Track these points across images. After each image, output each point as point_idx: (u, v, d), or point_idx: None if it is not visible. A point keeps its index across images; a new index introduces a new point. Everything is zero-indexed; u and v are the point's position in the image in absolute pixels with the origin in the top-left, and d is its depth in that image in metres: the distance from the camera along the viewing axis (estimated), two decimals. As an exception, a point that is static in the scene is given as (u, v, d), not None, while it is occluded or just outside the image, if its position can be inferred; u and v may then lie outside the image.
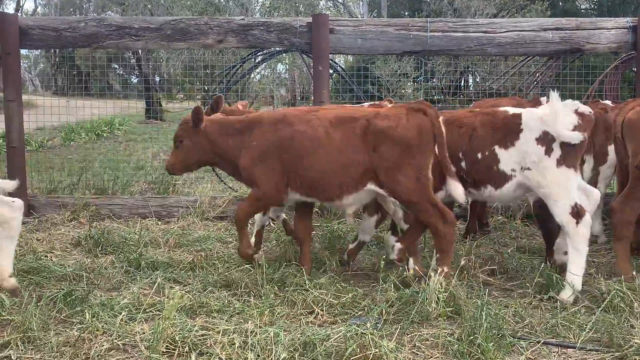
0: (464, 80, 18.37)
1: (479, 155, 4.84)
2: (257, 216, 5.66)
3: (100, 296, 4.45)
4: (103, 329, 3.84)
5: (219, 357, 3.46)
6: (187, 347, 3.57)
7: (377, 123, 4.67)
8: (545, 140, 4.61)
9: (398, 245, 4.87)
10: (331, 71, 7.91)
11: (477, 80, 17.50)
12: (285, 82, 18.02)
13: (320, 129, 4.76)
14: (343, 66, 10.79)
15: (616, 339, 3.71)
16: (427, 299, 4.15)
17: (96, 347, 3.60)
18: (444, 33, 7.43)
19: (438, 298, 4.18)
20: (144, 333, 3.77)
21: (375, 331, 3.68)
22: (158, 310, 4.15)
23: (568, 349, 3.71)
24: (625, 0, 28.04)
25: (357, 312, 4.24)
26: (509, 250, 5.73)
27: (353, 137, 4.71)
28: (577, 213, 4.54)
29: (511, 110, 4.91)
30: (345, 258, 5.43)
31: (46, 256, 5.58)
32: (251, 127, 4.97)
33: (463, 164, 4.90)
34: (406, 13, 30.20)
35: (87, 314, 3.97)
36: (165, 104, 16.79)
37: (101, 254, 5.58)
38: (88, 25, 7.34)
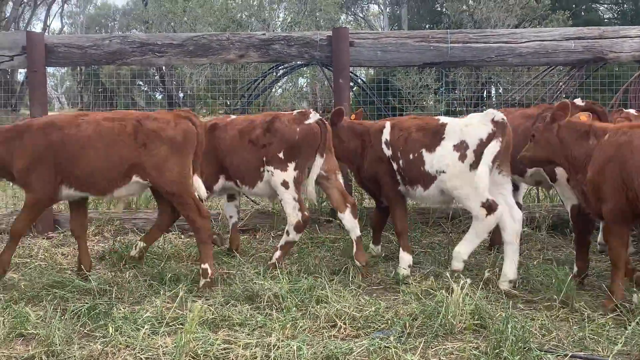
0: (486, 91, 18.25)
1: (411, 157, 5.32)
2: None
3: (124, 310, 4.46)
4: (126, 342, 3.85)
5: (241, 371, 3.44)
6: (209, 361, 3.57)
7: (147, 124, 5.13)
8: (461, 147, 5.06)
9: None
10: (352, 84, 7.93)
11: (500, 91, 17.38)
12: (307, 95, 18.08)
13: (89, 131, 5.10)
14: (364, 78, 10.79)
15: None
16: (451, 311, 4.10)
17: (119, 361, 3.62)
18: (465, 44, 7.42)
19: (463, 311, 4.13)
20: (166, 347, 3.78)
21: (399, 345, 3.65)
22: (181, 323, 4.15)
23: (597, 363, 3.63)
24: (650, 8, 27.72)
25: (380, 326, 4.20)
26: (535, 262, 5.64)
27: (123, 136, 5.10)
28: (490, 207, 4.95)
29: (442, 119, 5.42)
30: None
31: (71, 270, 5.63)
32: (21, 134, 5.16)
33: (401, 162, 5.41)
34: (426, 26, 30.18)
35: (110, 327, 4.00)
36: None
37: (125, 268, 5.61)
38: (112, 42, 7.47)
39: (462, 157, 5.06)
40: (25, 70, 7.75)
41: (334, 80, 7.39)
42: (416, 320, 4.19)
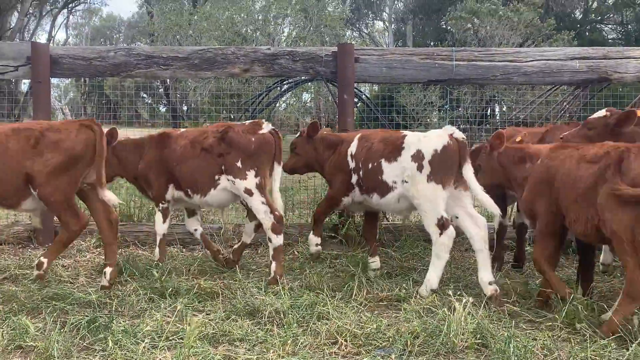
0: (490, 109, 18.29)
1: (370, 166, 5.63)
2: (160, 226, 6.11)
3: (124, 323, 4.44)
4: (125, 356, 3.83)
5: (241, 387, 3.41)
6: (208, 376, 3.54)
7: (49, 135, 5.24)
8: (418, 157, 5.34)
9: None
10: (356, 100, 7.94)
11: (504, 109, 17.42)
12: (311, 110, 18.14)
13: None
14: (368, 95, 10.82)
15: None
16: (453, 330, 4.07)
17: (118, 375, 3.59)
18: (470, 62, 7.44)
19: (465, 329, 4.10)
20: (166, 361, 3.75)
21: (399, 363, 3.61)
22: (180, 338, 4.12)
23: (600, 385, 3.59)
24: (653, 29, 27.83)
25: (381, 343, 4.17)
26: (538, 282, 5.61)
27: (26, 147, 5.20)
28: (442, 225, 5.25)
29: (404, 132, 5.74)
30: (231, 257, 6.11)
31: (71, 283, 5.61)
32: None
33: (361, 172, 5.74)
34: (431, 43, 30.33)
35: (109, 341, 3.97)
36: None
37: (125, 281, 5.58)
38: (117, 54, 7.50)
39: (420, 168, 5.34)
40: (30, 80, 7.78)
41: (339, 95, 7.41)
42: (418, 338, 4.16)
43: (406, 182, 5.43)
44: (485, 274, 5.14)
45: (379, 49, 8.06)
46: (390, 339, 4.19)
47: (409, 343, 4.09)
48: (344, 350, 4.07)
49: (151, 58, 7.48)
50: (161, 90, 16.91)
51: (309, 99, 18.60)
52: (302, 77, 7.89)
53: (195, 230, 6.40)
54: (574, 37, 21.48)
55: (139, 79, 9.67)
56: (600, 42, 24.74)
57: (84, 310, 4.82)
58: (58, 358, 3.77)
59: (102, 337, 4.12)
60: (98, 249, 6.95)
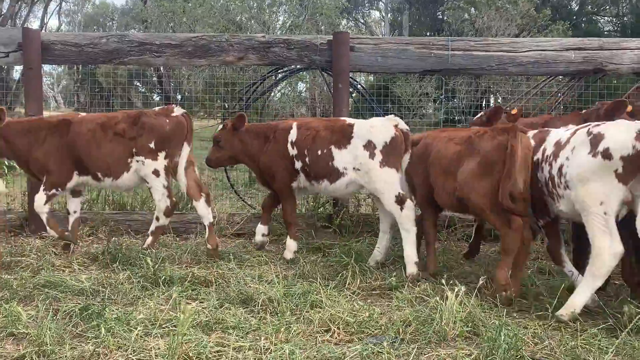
0: (485, 100, 18.26)
1: (319, 152, 5.89)
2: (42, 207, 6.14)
3: (117, 311, 4.43)
4: (118, 344, 3.83)
5: (233, 374, 3.42)
6: (201, 364, 3.54)
7: None
8: (370, 147, 5.69)
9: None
10: (351, 89, 7.92)
11: (499, 100, 17.40)
12: (306, 100, 18.07)
13: None
14: (364, 85, 10.77)
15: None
16: (444, 318, 4.09)
17: (111, 362, 3.59)
18: (465, 52, 7.42)
19: (456, 318, 4.12)
20: (159, 348, 3.75)
21: (392, 350, 3.63)
22: (174, 325, 4.12)
23: (590, 373, 3.62)
24: (649, 21, 27.84)
25: (373, 331, 4.18)
26: (529, 271, 5.64)
27: None
28: (401, 200, 5.64)
29: (348, 120, 6.04)
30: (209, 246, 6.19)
31: (64, 271, 5.60)
32: None
33: (307, 159, 5.97)
34: (427, 33, 30.25)
35: (102, 328, 3.96)
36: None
37: (118, 269, 5.58)
38: (110, 41, 7.45)
39: (372, 156, 5.71)
40: (21, 67, 7.72)
41: (334, 85, 7.38)
42: (410, 326, 4.18)
43: (358, 169, 5.78)
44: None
45: (375, 37, 8.05)
46: (383, 327, 4.21)
47: (401, 331, 4.11)
48: (336, 337, 4.08)
49: (144, 45, 7.43)
50: (154, 78, 16.81)
51: (305, 89, 18.53)
52: (297, 66, 7.86)
53: (74, 212, 6.49)
54: (569, 28, 21.44)
55: (132, 66, 9.60)
56: (596, 33, 24.70)
57: (77, 297, 4.82)
58: (50, 345, 3.75)
59: (95, 324, 4.11)
60: (91, 237, 6.94)
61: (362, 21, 36.33)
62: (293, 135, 6.11)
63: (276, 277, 5.14)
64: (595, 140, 4.32)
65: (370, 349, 3.59)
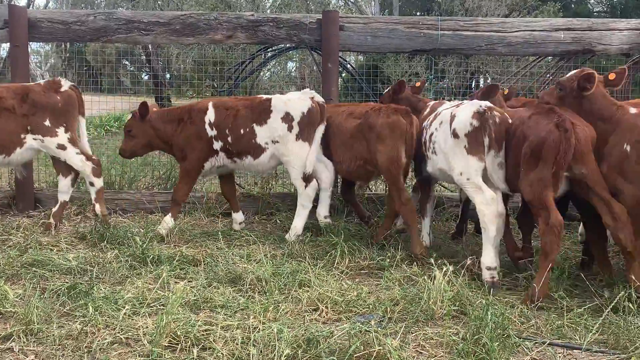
0: (475, 80, 18.24)
1: (242, 131, 6.07)
2: None
3: (104, 290, 4.43)
4: (106, 322, 3.83)
5: (221, 353, 3.43)
6: (189, 342, 3.55)
7: None
8: (287, 119, 5.96)
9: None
10: (341, 69, 7.87)
11: (488, 81, 17.38)
12: (295, 80, 17.97)
13: None
14: (354, 65, 10.71)
15: (622, 341, 3.66)
16: (432, 297, 4.12)
17: (98, 341, 3.59)
18: (455, 32, 7.38)
19: (443, 297, 4.15)
20: (147, 327, 3.75)
21: (379, 329, 3.65)
22: (162, 305, 4.13)
23: (574, 351, 3.67)
24: (639, 3, 27.81)
25: (361, 310, 4.21)
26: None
27: None
28: (307, 178, 6.06)
29: (264, 96, 6.25)
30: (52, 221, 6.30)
31: (51, 249, 5.57)
32: None
33: (229, 139, 6.10)
34: (418, 13, 30.09)
35: (90, 307, 3.96)
36: (174, 100, 16.83)
37: (106, 248, 5.56)
38: (97, 18, 7.34)
39: (290, 128, 5.98)
40: (8, 45, 7.60)
41: (323, 64, 7.33)
42: (397, 305, 4.21)
43: (277, 142, 6.04)
44: (323, 210, 6.24)
45: (364, 17, 7.97)
46: (371, 306, 4.24)
47: (388, 310, 4.14)
48: (324, 316, 4.11)
49: (132, 23, 7.33)
50: (143, 57, 16.65)
51: (294, 68, 18.42)
52: (286, 45, 7.79)
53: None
54: (559, 9, 21.41)
55: (120, 44, 9.49)
56: (585, 14, 24.71)
57: (65, 276, 4.81)
58: (38, 324, 3.75)
59: (83, 303, 4.10)
60: (79, 217, 6.91)
61: (351, 0, 36.00)
62: (211, 115, 6.15)
63: (265, 257, 5.15)
64: (451, 120, 5.07)
65: (358, 327, 3.61)
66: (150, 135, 6.36)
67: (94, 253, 5.38)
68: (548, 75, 8.21)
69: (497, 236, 4.87)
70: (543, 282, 4.36)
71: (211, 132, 6.15)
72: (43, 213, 7.04)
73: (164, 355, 3.39)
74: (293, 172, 6.08)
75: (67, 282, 4.50)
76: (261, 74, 11.65)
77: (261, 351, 3.43)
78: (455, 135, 4.99)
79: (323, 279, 4.74)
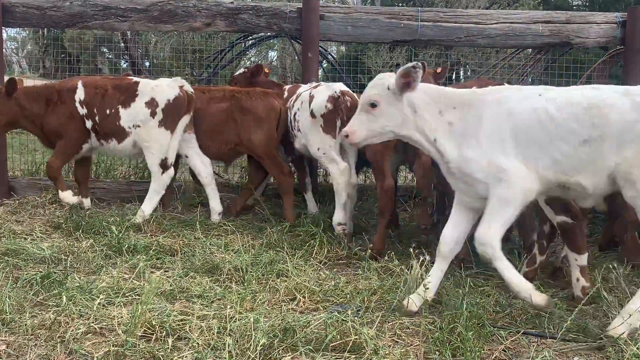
0: (455, 72, 18.29)
1: (108, 112, 6.12)
2: None
3: (79, 279, 4.38)
4: (80, 312, 3.78)
5: (197, 342, 3.41)
6: (164, 332, 3.52)
7: None
8: (152, 105, 6.07)
9: None
10: (322, 59, 7.84)
11: (468, 73, 17.44)
12: (277, 70, 17.87)
13: None
14: (335, 55, 10.66)
15: (593, 330, 3.71)
16: (409, 287, 4.13)
17: (72, 330, 3.54)
18: (435, 23, 7.39)
19: (421, 286, 4.16)
20: (121, 317, 3.71)
21: (355, 318, 3.66)
22: (137, 294, 4.09)
23: (547, 340, 3.70)
24: (617, -4, 28.08)
25: (339, 300, 4.21)
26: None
27: None
28: (164, 165, 6.17)
29: (134, 78, 6.35)
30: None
31: (25, 238, 5.49)
32: None
33: (97, 118, 6.15)
34: (399, 4, 30.06)
35: (64, 296, 3.91)
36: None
37: (82, 237, 5.49)
38: (73, 4, 7.21)
39: (153, 114, 6.07)
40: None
41: (303, 53, 7.30)
42: (375, 295, 4.22)
43: (138, 126, 6.12)
44: (215, 204, 6.39)
45: (345, 6, 7.96)
46: (348, 296, 4.25)
47: (366, 300, 4.14)
48: (302, 306, 4.11)
49: (108, 9, 7.22)
50: (122, 44, 16.41)
51: (275, 58, 18.29)
52: (267, 34, 7.74)
53: None
54: (540, 2, 21.50)
55: (97, 30, 9.35)
56: (565, 7, 24.85)
57: (38, 266, 4.74)
58: (10, 314, 3.69)
59: (56, 292, 4.05)
60: (54, 205, 6.81)
61: (334, -10, 35.88)
62: (80, 94, 6.17)
63: (243, 247, 5.13)
64: (310, 101, 5.66)
65: (334, 317, 3.61)
66: (14, 113, 6.24)
67: (68, 242, 5.31)
68: (527, 67, 8.27)
69: (349, 201, 5.66)
70: (380, 238, 5.25)
71: (82, 111, 6.18)
72: (17, 202, 6.92)
73: (139, 345, 3.36)
74: (151, 158, 6.16)
75: (40, 272, 4.43)
76: (241, 62, 11.55)
77: (237, 341, 3.41)
78: (312, 115, 5.63)
79: (301, 268, 4.74)
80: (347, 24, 7.34)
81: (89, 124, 6.18)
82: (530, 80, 8.16)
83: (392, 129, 3.97)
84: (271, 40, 10.55)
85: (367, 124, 3.98)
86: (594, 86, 3.93)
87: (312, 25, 7.19)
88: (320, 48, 7.46)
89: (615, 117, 3.60)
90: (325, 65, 9.52)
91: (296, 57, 9.79)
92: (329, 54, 8.40)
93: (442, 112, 3.91)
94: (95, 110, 6.15)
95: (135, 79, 6.32)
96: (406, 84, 3.90)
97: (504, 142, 3.73)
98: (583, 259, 4.23)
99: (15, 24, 7.50)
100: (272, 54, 18.17)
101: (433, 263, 4.36)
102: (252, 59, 14.94)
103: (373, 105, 3.95)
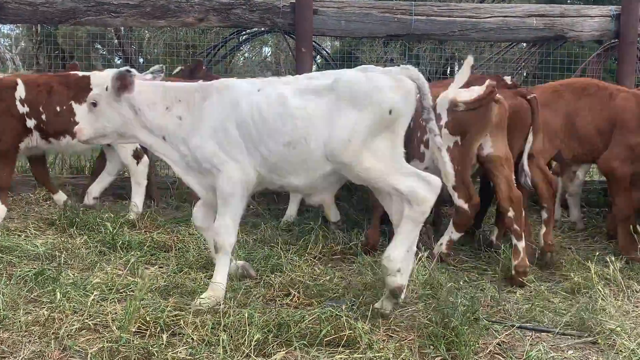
0: (449, 67, 18.27)
1: (58, 109, 5.92)
2: None
3: (73, 276, 4.36)
4: (74, 308, 3.77)
5: (191, 338, 3.41)
6: (159, 328, 3.52)
7: None
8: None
9: None
10: (316, 54, 7.82)
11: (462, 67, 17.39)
12: (270, 65, 17.82)
13: None
14: (329, 50, 10.66)
15: (588, 324, 3.72)
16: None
17: (66, 327, 3.52)
18: (428, 17, 7.38)
19: (417, 281, 4.16)
20: (115, 313, 3.70)
21: (350, 313, 3.65)
22: (131, 290, 4.08)
23: (542, 333, 3.71)
24: (611, -10, 28.12)
25: (333, 295, 4.21)
26: (488, 234, 5.73)
27: None
28: (137, 155, 6.09)
29: (81, 73, 6.14)
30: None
31: (19, 235, 5.47)
32: None
33: (44, 116, 5.93)
34: (393, -1, 30.05)
35: (58, 293, 3.89)
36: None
37: (76, 234, 5.47)
38: (65, 0, 7.18)
39: None
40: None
41: (296, 48, 7.28)
42: (370, 290, 4.22)
43: None
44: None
45: (338, 1, 7.97)
46: (342, 291, 4.24)
47: (361, 294, 4.14)
48: (296, 301, 4.09)
49: (101, 5, 7.19)
50: (116, 41, 16.35)
51: (269, 53, 18.24)
52: (260, 29, 7.72)
53: None
54: (534, -4, 21.53)
55: (90, 27, 9.31)
56: (560, 1, 24.89)
57: (32, 262, 4.73)
58: (4, 310, 3.68)
59: (50, 289, 4.03)
60: (47, 202, 6.79)
61: (328, -15, 35.87)
62: (21, 91, 5.97)
63: (237, 242, 5.11)
64: None
65: (328, 312, 3.61)
66: None
67: (62, 239, 5.29)
68: (521, 61, 8.28)
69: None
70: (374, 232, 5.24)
71: (23, 109, 5.96)
72: (11, 198, 6.88)
73: (133, 341, 3.34)
74: (122, 151, 6.09)
75: (34, 268, 4.42)
76: (235, 58, 11.52)
77: (231, 336, 3.41)
78: None
79: (295, 264, 4.73)
80: (341, 18, 7.33)
81: (30, 122, 5.97)
82: (525, 74, 8.18)
83: (115, 129, 4.08)
84: (265, 36, 10.50)
85: (92, 123, 4.06)
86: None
87: (305, 20, 7.18)
88: (314, 43, 7.44)
89: None
90: (319, 60, 9.49)
91: (290, 53, 9.77)
92: (323, 49, 8.39)
93: (169, 108, 3.99)
94: (40, 108, 5.95)
95: (82, 73, 6.14)
96: (122, 86, 3.96)
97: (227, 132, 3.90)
98: None
99: (8, 20, 7.48)
100: (266, 50, 18.13)
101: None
102: (246, 54, 14.92)
103: (93, 104, 4.04)
